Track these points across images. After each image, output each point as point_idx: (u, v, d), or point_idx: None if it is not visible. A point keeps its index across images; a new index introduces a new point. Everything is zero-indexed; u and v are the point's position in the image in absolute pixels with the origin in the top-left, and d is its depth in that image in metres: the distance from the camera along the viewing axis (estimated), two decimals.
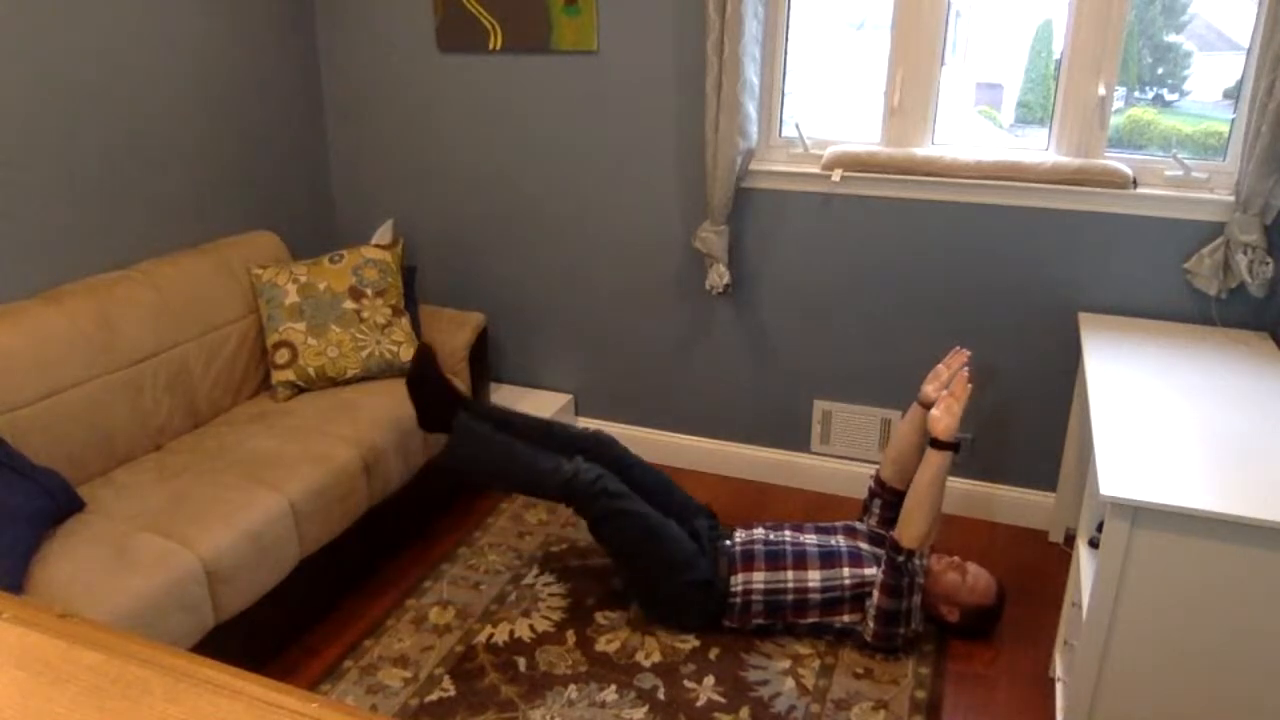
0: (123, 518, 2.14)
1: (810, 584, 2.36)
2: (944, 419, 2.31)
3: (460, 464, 2.52)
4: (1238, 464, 1.76)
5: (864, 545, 2.42)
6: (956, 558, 2.47)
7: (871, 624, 2.32)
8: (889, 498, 2.57)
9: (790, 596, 2.37)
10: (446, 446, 2.53)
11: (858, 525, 2.53)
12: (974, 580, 2.40)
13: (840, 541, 2.43)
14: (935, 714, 2.20)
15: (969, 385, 2.35)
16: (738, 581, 2.38)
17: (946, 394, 2.35)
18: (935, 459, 2.31)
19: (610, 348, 3.31)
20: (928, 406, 2.50)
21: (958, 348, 2.54)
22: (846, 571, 2.36)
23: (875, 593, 2.31)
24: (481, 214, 3.33)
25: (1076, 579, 2.09)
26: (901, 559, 2.28)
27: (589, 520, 2.43)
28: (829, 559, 2.38)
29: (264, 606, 2.24)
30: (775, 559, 2.39)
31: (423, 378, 2.54)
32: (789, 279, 3.00)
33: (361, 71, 3.31)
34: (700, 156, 2.96)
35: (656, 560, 2.39)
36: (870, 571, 2.35)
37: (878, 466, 2.65)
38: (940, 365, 2.54)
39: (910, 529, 2.29)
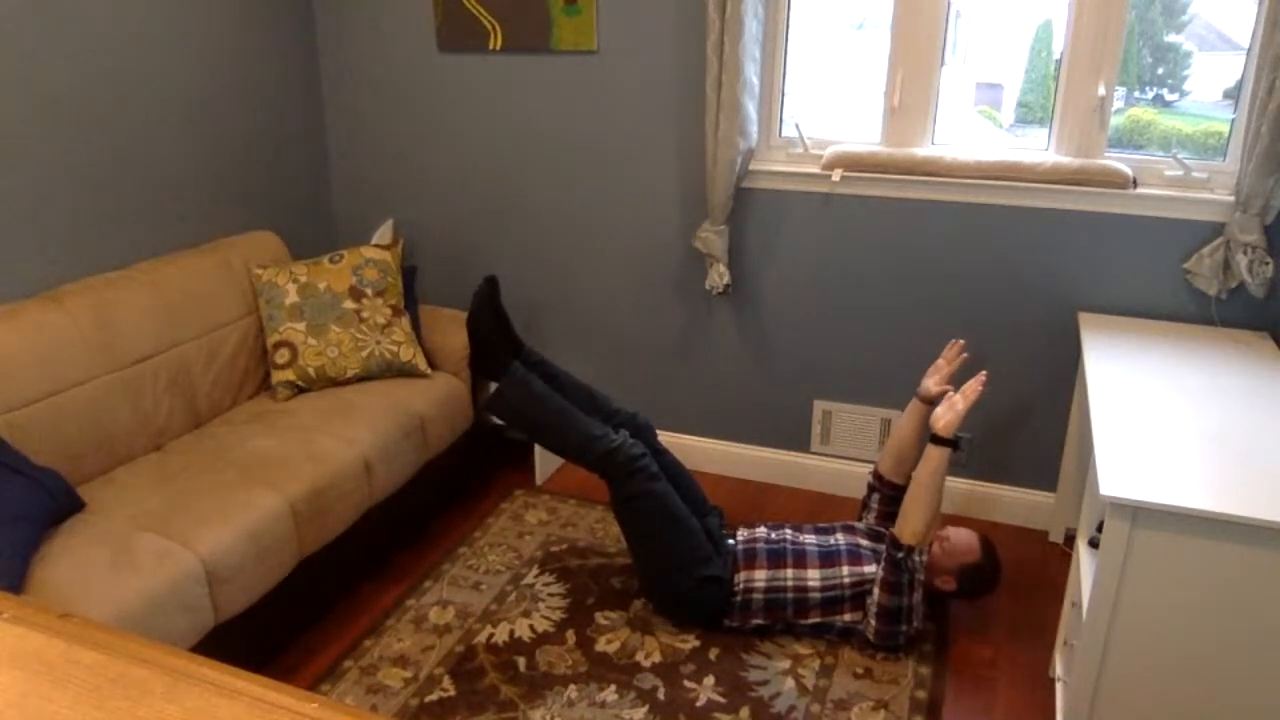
0: (123, 518, 2.14)
1: (810, 583, 2.36)
2: (946, 415, 2.32)
3: (507, 412, 2.52)
4: (1238, 464, 1.76)
5: (863, 542, 2.42)
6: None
7: (873, 622, 2.32)
8: (887, 492, 2.57)
9: (790, 595, 2.37)
10: (496, 392, 2.52)
11: (856, 524, 2.53)
12: (953, 544, 2.39)
13: (839, 540, 2.43)
14: (935, 714, 2.20)
15: (981, 389, 2.34)
16: (740, 580, 2.39)
17: (957, 393, 2.36)
18: (935, 455, 2.31)
19: (610, 347, 3.31)
20: (927, 401, 2.50)
21: (954, 341, 2.55)
22: (846, 570, 2.36)
23: (875, 590, 2.31)
24: (482, 214, 3.33)
25: (1076, 579, 2.09)
26: (901, 555, 2.28)
27: (619, 496, 2.43)
28: (828, 558, 2.38)
29: (264, 606, 2.23)
30: (776, 557, 2.39)
31: (486, 311, 2.52)
32: (789, 279, 3.00)
33: (361, 71, 3.31)
34: (700, 156, 2.96)
35: (674, 550, 2.39)
36: (870, 569, 2.35)
37: (876, 461, 2.66)
38: (940, 360, 2.55)
39: (909, 525, 2.29)
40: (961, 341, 2.54)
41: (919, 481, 2.31)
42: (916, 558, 2.29)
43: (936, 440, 2.31)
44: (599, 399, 2.64)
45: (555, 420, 2.48)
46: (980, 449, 2.97)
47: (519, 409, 2.51)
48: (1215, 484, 1.69)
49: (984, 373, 2.38)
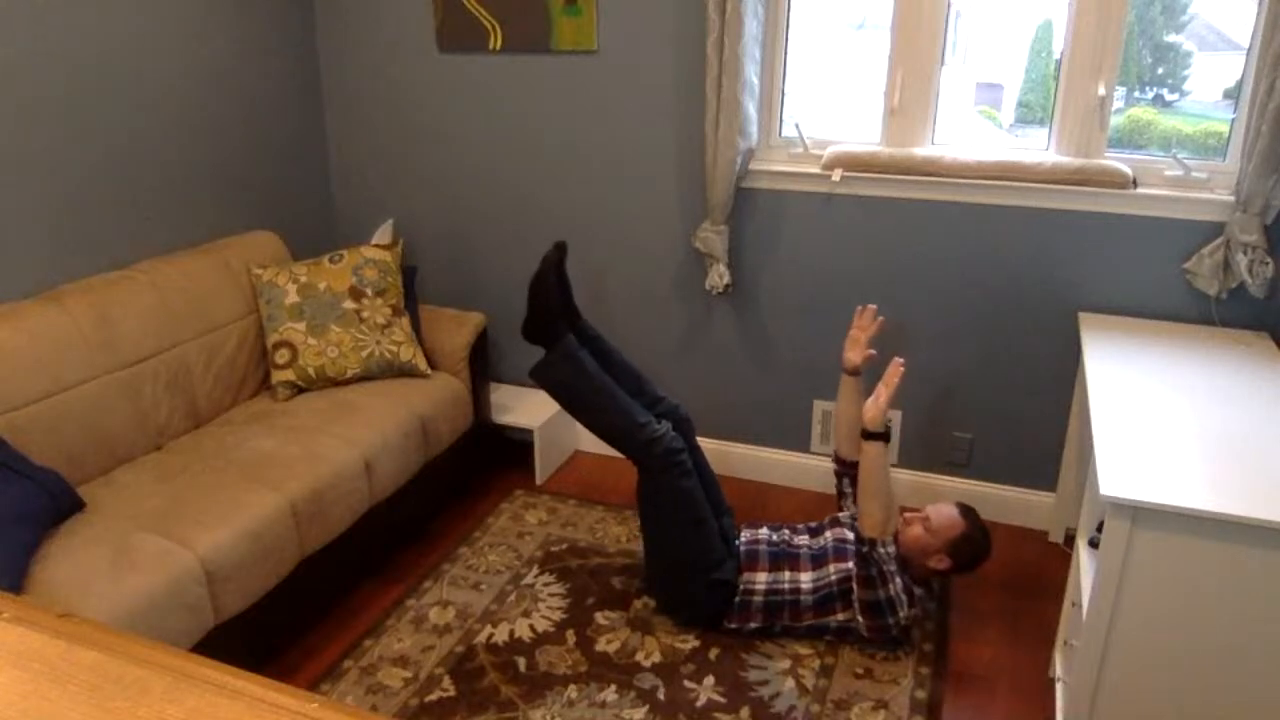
0: (123, 518, 2.14)
1: (803, 585, 2.37)
2: (870, 410, 2.34)
3: (552, 383, 2.47)
4: (1238, 464, 1.76)
5: (849, 535, 2.43)
6: (910, 513, 2.45)
7: (861, 619, 2.33)
8: (853, 473, 2.59)
9: (787, 598, 2.38)
10: (544, 361, 2.47)
11: (840, 517, 2.54)
12: (935, 522, 2.36)
13: (827, 538, 2.44)
14: (935, 714, 2.20)
15: (899, 376, 2.34)
16: (742, 581, 2.39)
17: (880, 382, 2.36)
18: (869, 449, 2.32)
19: None
20: (853, 373, 2.56)
21: (861, 307, 2.56)
22: (832, 569, 2.37)
23: (854, 588, 2.32)
24: (481, 214, 3.33)
25: (1076, 579, 2.09)
26: (866, 549, 2.29)
27: (649, 487, 2.41)
28: (818, 559, 2.40)
29: (264, 606, 2.23)
30: (777, 559, 2.40)
31: (552, 276, 2.47)
32: (789, 279, 3.00)
33: (362, 71, 3.31)
34: (700, 156, 2.96)
35: (690, 550, 2.40)
36: (853, 564, 2.35)
37: (834, 449, 2.69)
38: (853, 330, 2.56)
39: (867, 519, 2.31)
40: (873, 306, 2.55)
41: (864, 476, 2.33)
42: (881, 549, 2.29)
43: (867, 435, 2.33)
44: (645, 384, 2.61)
45: (599, 400, 2.43)
46: (980, 449, 2.97)
47: (564, 382, 2.46)
48: (1215, 484, 1.68)
49: (899, 359, 2.37)
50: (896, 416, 3.01)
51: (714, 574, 2.38)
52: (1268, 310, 2.53)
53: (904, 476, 3.05)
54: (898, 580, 2.31)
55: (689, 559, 2.40)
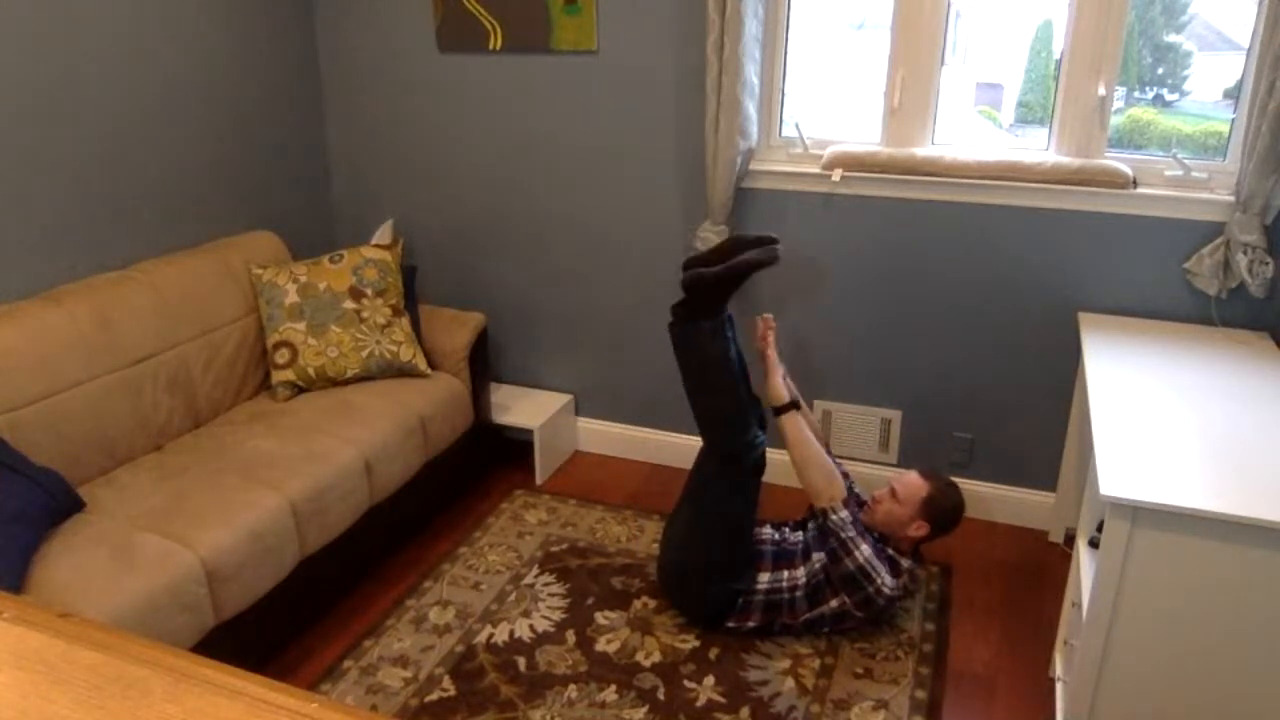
0: (123, 518, 2.14)
1: (799, 581, 2.39)
2: (770, 389, 2.45)
3: (697, 350, 2.42)
4: (1238, 464, 1.76)
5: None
6: (878, 491, 2.46)
7: (845, 598, 2.34)
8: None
9: (785, 596, 2.39)
10: (697, 326, 2.41)
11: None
12: (903, 491, 2.39)
13: (811, 529, 2.47)
14: (935, 714, 2.20)
15: (771, 326, 2.54)
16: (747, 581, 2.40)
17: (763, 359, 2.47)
18: (783, 423, 2.41)
19: (610, 348, 3.31)
20: (791, 407, 2.53)
21: (760, 317, 2.60)
22: (815, 557, 2.38)
23: (829, 567, 2.35)
24: (481, 214, 3.33)
25: (1076, 579, 2.09)
26: (821, 521, 2.34)
27: (724, 484, 2.41)
28: (805, 553, 2.42)
29: (264, 606, 2.24)
30: (778, 559, 2.42)
31: (765, 266, 2.42)
32: (789, 279, 3.00)
33: (362, 71, 3.31)
34: (700, 156, 2.96)
35: (723, 553, 2.40)
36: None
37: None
38: (767, 359, 2.58)
39: (810, 491, 2.38)
40: (767, 315, 2.59)
41: (791, 450, 2.40)
42: (834, 516, 2.33)
43: (777, 412, 2.42)
44: (747, 380, 2.58)
45: (728, 384, 2.41)
46: (980, 449, 2.97)
47: (709, 353, 2.42)
48: (1215, 484, 1.69)
49: (766, 315, 2.55)
50: (896, 417, 3.02)
51: (736, 584, 2.40)
52: (1268, 310, 2.53)
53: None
54: (863, 547, 2.32)
55: (715, 560, 2.40)
